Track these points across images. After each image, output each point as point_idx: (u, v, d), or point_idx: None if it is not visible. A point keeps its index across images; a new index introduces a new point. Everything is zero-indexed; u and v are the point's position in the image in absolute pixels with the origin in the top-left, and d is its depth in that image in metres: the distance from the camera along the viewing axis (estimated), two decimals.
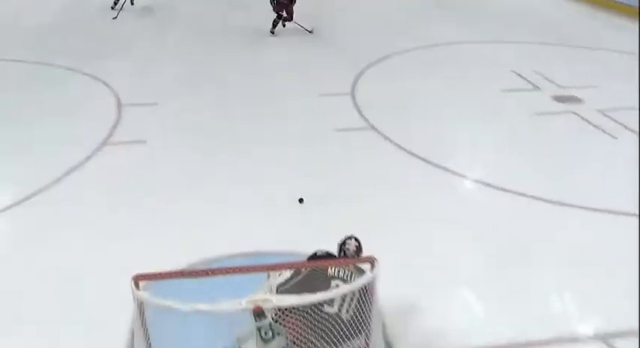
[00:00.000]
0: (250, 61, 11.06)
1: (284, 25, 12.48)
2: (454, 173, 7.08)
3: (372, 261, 3.54)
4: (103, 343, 4.28)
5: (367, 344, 3.92)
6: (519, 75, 10.42)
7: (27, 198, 6.16)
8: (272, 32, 12.49)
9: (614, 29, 13.79)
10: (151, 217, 5.82)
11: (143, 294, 3.16)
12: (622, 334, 4.60)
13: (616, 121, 8.51)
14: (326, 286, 3.55)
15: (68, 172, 6.65)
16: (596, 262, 5.47)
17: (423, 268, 5.17)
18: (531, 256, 5.53)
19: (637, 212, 6.13)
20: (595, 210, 6.35)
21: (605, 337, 4.57)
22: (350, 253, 4.07)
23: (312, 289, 3.42)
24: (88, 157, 7.05)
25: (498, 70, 10.68)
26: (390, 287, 4.12)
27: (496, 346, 4.47)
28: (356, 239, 4.14)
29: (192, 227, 5.63)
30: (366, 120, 8.46)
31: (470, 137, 8.14)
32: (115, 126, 7.99)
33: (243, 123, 8.26)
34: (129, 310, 3.34)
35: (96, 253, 5.26)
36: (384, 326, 4.11)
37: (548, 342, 4.52)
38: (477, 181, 7.02)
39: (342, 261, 3.90)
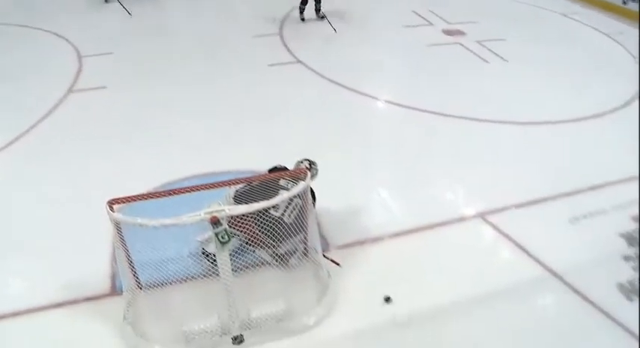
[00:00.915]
0: (192, 12, 10.64)
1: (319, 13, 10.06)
2: (366, 95, 7.46)
3: (304, 172, 3.85)
4: (90, 257, 4.38)
5: (305, 239, 4.04)
6: (417, 14, 10.80)
7: (9, 144, 5.98)
8: (302, 19, 9.95)
9: None
10: (118, 149, 5.93)
11: (117, 215, 3.37)
12: (494, 212, 5.15)
13: (489, 50, 9.15)
14: (274, 195, 3.77)
15: (41, 119, 6.49)
16: (476, 160, 6.05)
17: (345, 174, 5.50)
18: (427, 157, 6.04)
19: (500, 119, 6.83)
20: (475, 119, 6.86)
21: (482, 214, 5.12)
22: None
23: (262, 197, 3.53)
24: (56, 105, 6.82)
25: (401, 10, 11.00)
26: (322, 194, 4.23)
27: (407, 230, 4.87)
28: (309, 161, 4.45)
29: (155, 155, 5.80)
30: (293, 55, 8.52)
31: (378, 65, 8.52)
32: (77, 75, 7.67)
33: (190, 64, 8.25)
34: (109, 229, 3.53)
35: (75, 182, 5.35)
36: (319, 225, 4.42)
37: (443, 223, 5.00)
38: (384, 101, 7.48)
39: (281, 174, 4.16)
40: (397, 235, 4.78)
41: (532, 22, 10.72)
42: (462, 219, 5.05)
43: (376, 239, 4.72)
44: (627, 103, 7.48)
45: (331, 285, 4.13)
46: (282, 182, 4.06)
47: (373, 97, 7.42)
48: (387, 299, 4.03)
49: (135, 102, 6.97)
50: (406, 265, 4.46)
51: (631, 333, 3.98)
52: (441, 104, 7.08)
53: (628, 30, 10.50)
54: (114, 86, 7.32)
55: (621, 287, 4.44)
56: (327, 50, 9.04)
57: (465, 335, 3.89)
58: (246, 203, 3.55)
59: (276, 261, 4.07)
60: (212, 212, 3.25)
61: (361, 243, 4.66)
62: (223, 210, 3.30)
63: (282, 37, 9.28)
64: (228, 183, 3.81)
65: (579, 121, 6.94)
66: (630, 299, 4.33)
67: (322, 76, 7.82)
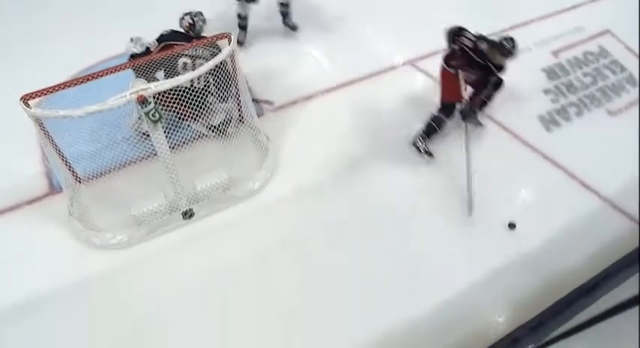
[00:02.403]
0: None
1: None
2: None
3: (228, 36, 3.64)
4: (19, 159, 4.17)
5: (239, 105, 3.96)
6: None
7: None
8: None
9: None
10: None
11: (36, 111, 3.17)
12: (424, 57, 5.21)
13: None
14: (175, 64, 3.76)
15: None
16: (402, 10, 5.79)
17: (272, 37, 5.31)
18: (353, 13, 5.74)
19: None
20: None
21: (412, 61, 5.20)
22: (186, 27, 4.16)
23: (167, 70, 3.37)
24: None
25: None
26: (250, 58, 4.09)
27: (340, 84, 4.91)
28: (190, 15, 4.17)
29: (68, 45, 5.11)
30: None
31: None
32: None
33: None
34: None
35: None
36: (250, 90, 4.34)
37: (377, 72, 5.06)
38: None
39: (199, 41, 3.93)
40: (329, 90, 4.82)
41: None
42: (393, 67, 5.09)
43: (309, 97, 4.75)
44: None
45: (271, 147, 4.23)
46: (189, 52, 3.91)
47: None
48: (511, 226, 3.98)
49: None
50: (341, 117, 4.59)
51: (550, 161, 4.43)
52: None
53: None
54: None
55: (542, 118, 4.83)
56: None
57: (401, 178, 4.21)
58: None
59: (213, 132, 4.04)
60: (137, 91, 3.11)
61: (294, 102, 4.69)
62: (149, 87, 3.19)
63: None
64: (146, 60, 3.59)
65: None
66: (548, 129, 4.78)
67: None
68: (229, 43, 3.55)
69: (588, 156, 4.52)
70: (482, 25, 5.56)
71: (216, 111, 3.97)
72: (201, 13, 4.22)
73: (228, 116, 4.10)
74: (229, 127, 4.12)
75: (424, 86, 4.97)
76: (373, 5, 5.82)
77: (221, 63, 3.52)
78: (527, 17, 5.75)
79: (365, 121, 4.63)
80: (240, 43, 5.02)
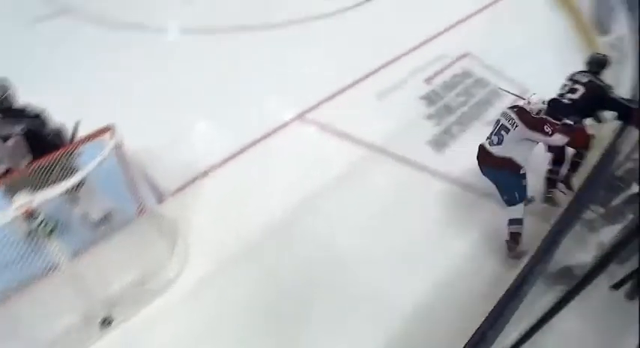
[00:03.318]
0: None
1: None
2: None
3: (110, 130, 3.46)
4: None
5: (136, 196, 3.82)
6: None
7: None
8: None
9: None
10: None
11: None
12: (311, 110, 5.41)
13: None
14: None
15: None
16: (280, 67, 6.09)
17: (155, 115, 5.20)
18: (232, 79, 5.87)
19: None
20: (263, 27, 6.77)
21: (301, 115, 5.37)
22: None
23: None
24: None
25: None
26: (141, 140, 4.09)
27: (234, 152, 4.89)
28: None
29: None
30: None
31: None
32: None
33: None
34: None
35: None
36: (147, 176, 4.32)
37: (267, 134, 5.11)
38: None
39: (78, 143, 3.59)
40: (226, 160, 4.79)
41: None
42: (285, 124, 5.21)
43: (207, 171, 4.69)
44: None
45: (180, 231, 4.09)
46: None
47: (164, 30, 6.83)
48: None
49: None
50: (243, 186, 4.55)
51: (445, 178, 4.70)
52: (233, 18, 6.89)
53: None
54: None
55: (430, 143, 5.14)
56: None
57: (318, 229, 4.23)
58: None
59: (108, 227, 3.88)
60: (22, 205, 2.93)
61: (192, 181, 4.61)
62: (33, 199, 3.00)
63: None
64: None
65: (364, 4, 7.34)
66: (438, 150, 5.08)
67: None
68: (111, 138, 3.43)
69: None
70: (360, 67, 5.99)
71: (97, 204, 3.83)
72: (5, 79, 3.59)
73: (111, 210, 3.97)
74: (114, 221, 3.98)
75: (318, 138, 5.11)
76: (250, 68, 6.01)
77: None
78: (396, 53, 6.20)
79: (267, 183, 4.61)
80: None
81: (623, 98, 4.31)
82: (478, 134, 5.20)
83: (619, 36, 5.94)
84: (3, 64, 4.13)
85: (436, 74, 6.02)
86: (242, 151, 4.90)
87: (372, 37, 6.57)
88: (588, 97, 4.19)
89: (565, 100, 4.26)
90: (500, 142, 3.93)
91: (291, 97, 5.58)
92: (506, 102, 5.56)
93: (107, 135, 3.48)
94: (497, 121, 4.01)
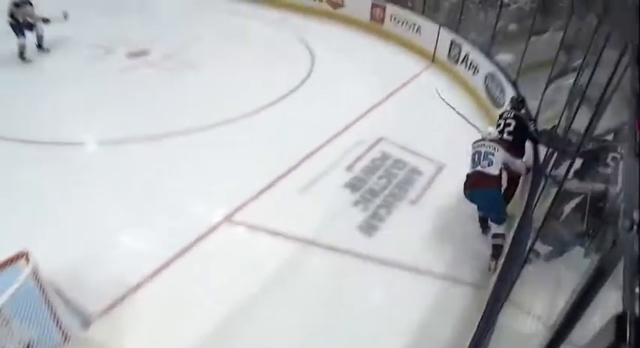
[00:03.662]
0: None
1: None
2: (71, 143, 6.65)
3: (24, 255, 3.29)
4: None
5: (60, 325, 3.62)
6: (98, 45, 9.73)
7: None
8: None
9: None
10: None
11: None
12: (237, 210, 5.42)
13: (179, 61, 9.09)
14: None
15: None
16: (202, 168, 6.11)
17: (72, 227, 5.05)
18: (155, 185, 5.79)
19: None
20: (177, 133, 6.86)
21: (228, 217, 5.34)
22: None
23: None
24: None
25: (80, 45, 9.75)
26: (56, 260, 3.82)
27: (164, 263, 4.71)
28: None
29: None
30: None
31: (73, 106, 7.56)
32: None
33: None
34: None
35: None
36: (69, 301, 4.02)
37: (196, 240, 4.99)
38: (95, 142, 6.87)
39: None
40: (157, 272, 4.60)
41: (208, 25, 10.96)
42: (211, 230, 5.10)
43: (137, 286, 4.45)
44: (304, 80, 8.53)
45: None
46: None
47: (76, 144, 6.64)
48: None
49: None
50: (178, 298, 4.36)
51: (381, 261, 4.78)
52: (147, 126, 6.92)
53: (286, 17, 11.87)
54: None
55: (361, 228, 5.25)
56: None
57: (256, 340, 4.05)
58: None
59: None
60: None
61: (122, 298, 4.34)
62: None
63: None
64: None
65: (276, 104, 7.68)
66: (370, 235, 5.17)
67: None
68: (27, 262, 3.30)
69: (410, 244, 5.05)
70: (281, 163, 6.14)
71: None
72: None
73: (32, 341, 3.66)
74: None
75: (249, 237, 5.10)
76: (170, 171, 5.98)
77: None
78: (312, 147, 6.45)
79: (201, 292, 4.44)
80: None
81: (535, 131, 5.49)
82: (405, 214, 5.54)
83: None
84: None
85: (356, 160, 6.30)
86: (172, 260, 4.73)
87: (289, 133, 6.83)
88: (518, 127, 5.25)
89: (506, 135, 5.22)
90: (491, 164, 4.77)
91: (216, 199, 5.59)
92: (423, 178, 6.00)
93: (22, 261, 3.35)
94: (478, 152, 4.88)
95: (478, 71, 7.94)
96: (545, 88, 5.90)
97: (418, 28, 9.80)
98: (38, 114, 7.13)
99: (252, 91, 7.95)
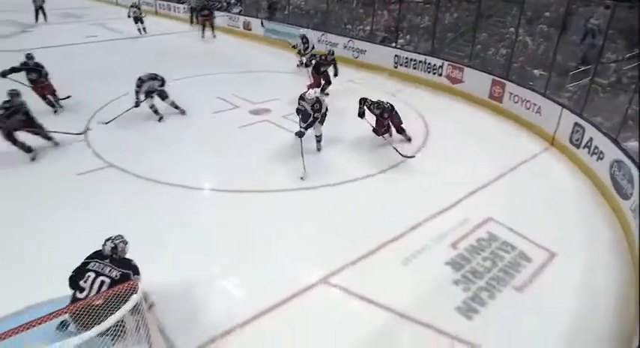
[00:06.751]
0: None
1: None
2: (180, 186, 7.36)
3: (133, 285, 3.65)
4: None
5: None
6: (223, 99, 11.26)
7: None
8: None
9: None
10: None
11: None
12: (334, 273, 5.44)
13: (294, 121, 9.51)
14: None
15: None
16: (300, 228, 6.32)
17: (180, 269, 5.43)
18: (255, 239, 6.06)
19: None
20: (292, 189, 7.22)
21: (325, 279, 5.35)
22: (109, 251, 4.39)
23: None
24: None
25: (207, 98, 11.37)
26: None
27: (255, 314, 4.83)
28: (112, 240, 4.41)
29: None
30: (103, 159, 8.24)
31: (191, 155, 8.54)
32: None
33: None
34: None
35: None
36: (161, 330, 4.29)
37: (289, 298, 5.06)
38: (200, 188, 7.42)
39: (106, 293, 3.80)
40: (246, 322, 4.70)
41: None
42: (307, 288, 5.16)
43: (227, 332, 4.57)
44: (416, 151, 8.53)
45: None
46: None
47: (187, 186, 7.25)
48: None
49: None
50: None
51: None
52: (254, 182, 7.39)
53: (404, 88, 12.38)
54: None
55: (459, 309, 4.97)
56: (137, 151, 8.61)
57: None
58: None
59: None
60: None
61: (212, 340, 4.48)
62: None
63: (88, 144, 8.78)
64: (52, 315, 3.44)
65: (386, 171, 7.84)
66: (469, 318, 4.90)
67: (136, 175, 7.57)
68: (135, 292, 3.54)
69: (511, 335, 4.67)
70: (384, 231, 6.13)
71: None
72: (121, 236, 4.44)
73: None
74: None
75: (342, 302, 5.02)
76: (273, 227, 6.24)
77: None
78: (418, 219, 6.38)
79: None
80: None
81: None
82: (509, 301, 5.16)
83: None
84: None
85: (461, 239, 6.06)
86: (264, 312, 4.82)
87: (396, 202, 6.88)
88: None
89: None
90: None
91: (316, 259, 5.64)
92: (532, 264, 5.62)
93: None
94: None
95: (603, 157, 7.44)
96: None
97: (539, 108, 9.51)
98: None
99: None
